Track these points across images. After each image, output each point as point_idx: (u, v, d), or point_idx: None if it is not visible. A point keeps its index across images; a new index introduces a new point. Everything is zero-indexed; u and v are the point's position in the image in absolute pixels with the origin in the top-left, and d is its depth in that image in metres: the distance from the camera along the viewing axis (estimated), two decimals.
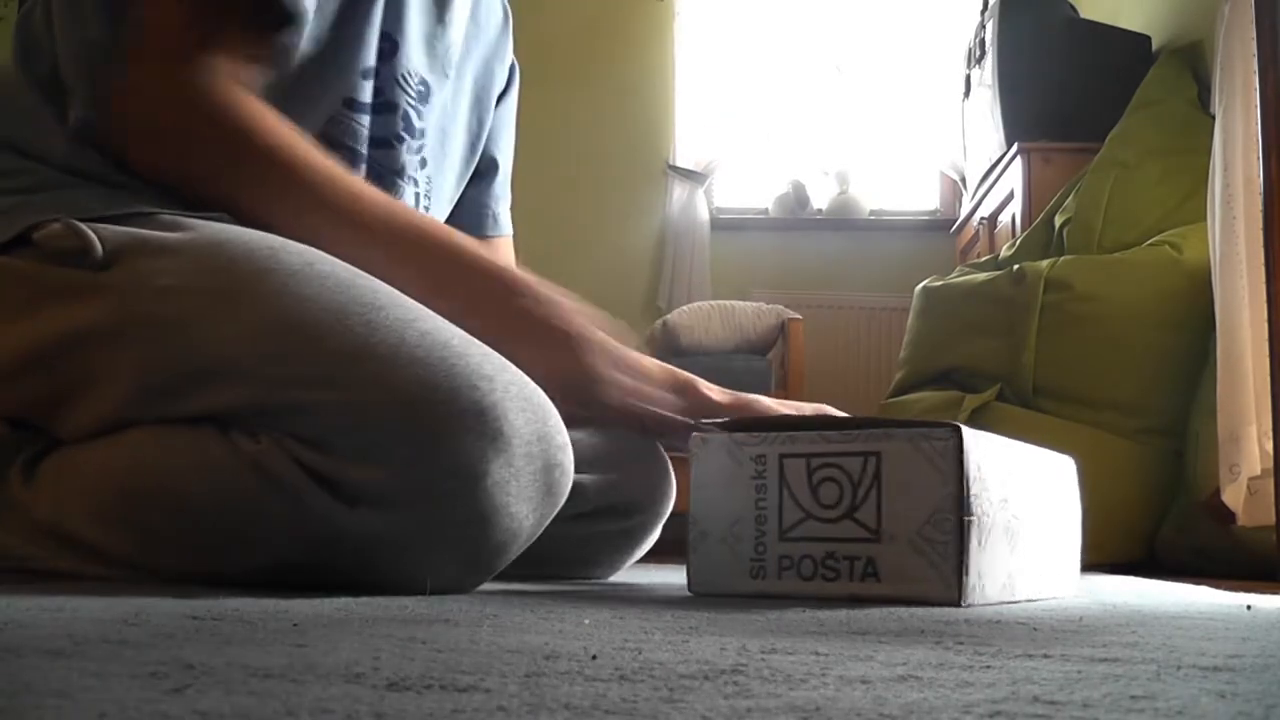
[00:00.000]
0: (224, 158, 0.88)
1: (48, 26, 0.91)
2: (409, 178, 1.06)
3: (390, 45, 1.00)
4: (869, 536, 0.76)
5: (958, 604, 0.73)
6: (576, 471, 0.83)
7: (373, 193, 0.91)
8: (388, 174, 1.03)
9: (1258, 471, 1.68)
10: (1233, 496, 1.72)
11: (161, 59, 0.87)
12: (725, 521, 0.81)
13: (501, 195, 1.28)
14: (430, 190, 1.10)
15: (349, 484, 0.74)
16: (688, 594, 0.83)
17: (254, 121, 0.87)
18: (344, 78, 0.97)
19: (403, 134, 1.04)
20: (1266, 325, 1.50)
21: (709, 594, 0.81)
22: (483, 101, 1.18)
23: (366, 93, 0.99)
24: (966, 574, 0.74)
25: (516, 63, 1.26)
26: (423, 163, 1.08)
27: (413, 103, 1.04)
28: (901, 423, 0.78)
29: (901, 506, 0.75)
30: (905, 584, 0.75)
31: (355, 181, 0.91)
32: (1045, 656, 0.47)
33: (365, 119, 1.00)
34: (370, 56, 0.98)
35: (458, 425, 0.74)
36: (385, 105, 1.02)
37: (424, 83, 1.05)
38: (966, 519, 0.74)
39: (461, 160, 1.16)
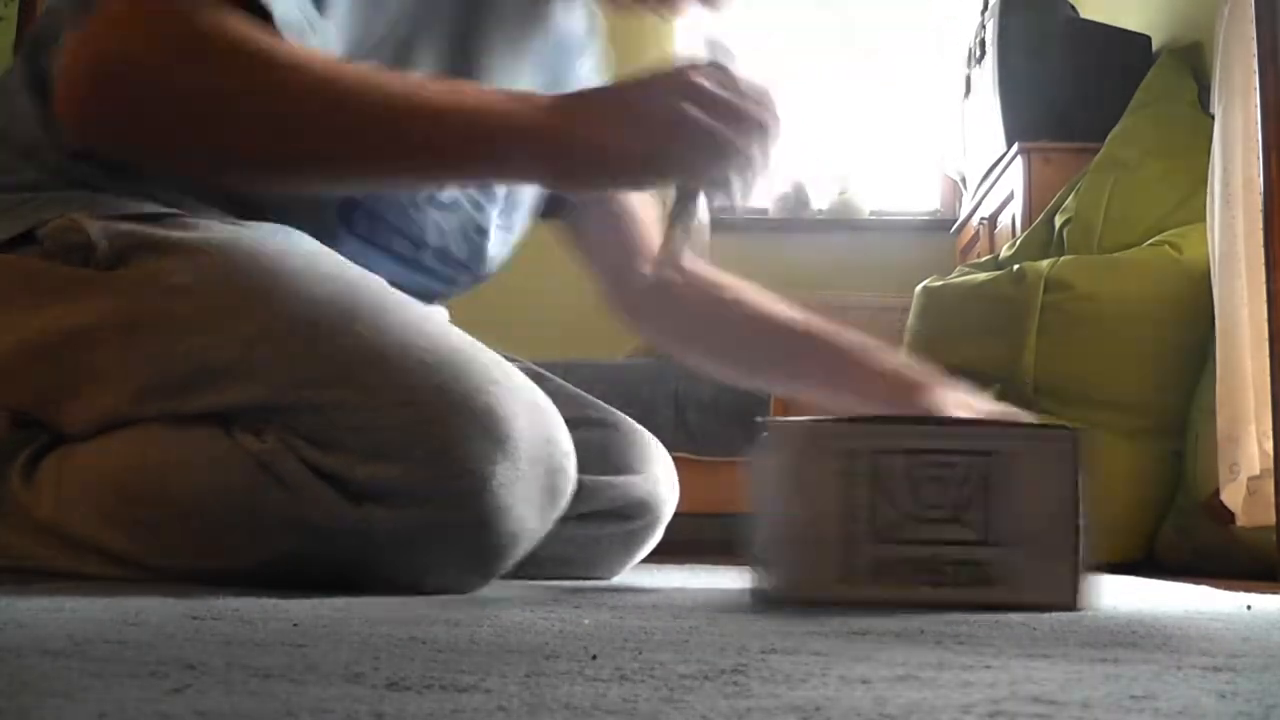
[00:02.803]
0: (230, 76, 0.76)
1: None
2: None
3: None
4: (979, 540, 0.72)
5: (1074, 608, 0.71)
6: (581, 473, 0.83)
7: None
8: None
9: (1257, 471, 1.68)
10: (1232, 496, 1.71)
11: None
12: (803, 522, 0.74)
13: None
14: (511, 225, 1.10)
15: (356, 482, 0.74)
16: (679, 593, 0.82)
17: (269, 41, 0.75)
18: None
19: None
20: (1266, 325, 1.50)
21: (782, 600, 0.74)
22: None
23: None
24: (1083, 578, 0.71)
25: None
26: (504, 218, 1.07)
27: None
28: (1010, 424, 0.74)
29: (1016, 509, 0.72)
30: (1020, 589, 0.72)
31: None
32: (1045, 656, 0.47)
33: None
34: None
35: (468, 427, 0.74)
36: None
37: None
38: (1082, 522, 0.72)
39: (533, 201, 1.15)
